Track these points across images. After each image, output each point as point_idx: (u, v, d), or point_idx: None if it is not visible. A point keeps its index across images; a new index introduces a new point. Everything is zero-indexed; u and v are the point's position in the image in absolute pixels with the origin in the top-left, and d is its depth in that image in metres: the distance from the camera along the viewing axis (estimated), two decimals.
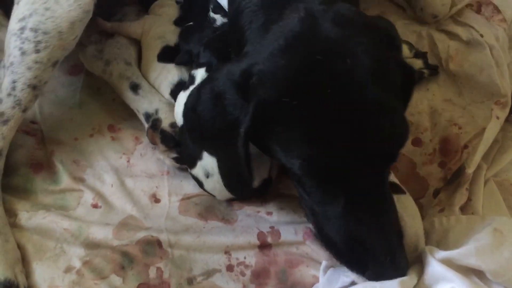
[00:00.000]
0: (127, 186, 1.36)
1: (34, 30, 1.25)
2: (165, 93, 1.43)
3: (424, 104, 1.49)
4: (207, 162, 1.22)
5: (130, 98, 1.43)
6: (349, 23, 0.95)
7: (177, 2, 1.55)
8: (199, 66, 1.29)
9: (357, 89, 0.89)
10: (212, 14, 1.46)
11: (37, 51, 1.25)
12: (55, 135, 1.43)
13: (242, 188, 1.08)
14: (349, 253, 0.99)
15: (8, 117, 1.27)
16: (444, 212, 1.24)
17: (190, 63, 1.39)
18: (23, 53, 1.25)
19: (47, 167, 1.37)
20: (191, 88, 1.27)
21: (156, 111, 1.38)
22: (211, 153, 1.11)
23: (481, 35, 1.52)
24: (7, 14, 1.36)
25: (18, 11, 1.28)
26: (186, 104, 1.10)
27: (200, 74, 1.28)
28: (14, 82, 1.26)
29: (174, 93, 1.41)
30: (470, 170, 1.28)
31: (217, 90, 0.98)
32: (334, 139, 0.88)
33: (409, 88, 1.00)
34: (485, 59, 1.47)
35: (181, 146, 1.32)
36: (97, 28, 1.48)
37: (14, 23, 1.28)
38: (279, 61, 0.92)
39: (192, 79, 1.30)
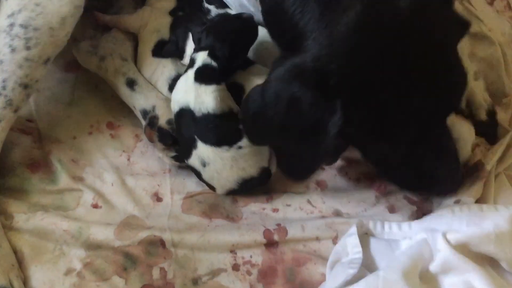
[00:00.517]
0: (128, 185, 1.32)
1: (24, 26, 1.20)
2: (163, 89, 1.39)
3: None
4: (202, 151, 1.20)
5: (127, 94, 1.39)
6: None
7: None
8: (201, 49, 1.25)
9: (433, 65, 0.95)
10: (206, 5, 1.44)
11: (28, 48, 1.20)
12: (52, 133, 1.39)
13: (305, 174, 1.14)
14: (417, 183, 1.16)
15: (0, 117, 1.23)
16: (460, 203, 1.21)
17: (177, 54, 1.37)
18: (13, 51, 1.20)
19: (45, 167, 1.33)
20: (190, 71, 1.24)
21: (153, 108, 1.34)
22: (275, 145, 1.14)
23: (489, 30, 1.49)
24: None
25: (6, 7, 1.23)
26: (243, 110, 1.11)
27: (201, 57, 1.24)
28: (4, 81, 1.21)
29: (173, 89, 1.36)
30: (489, 167, 1.25)
31: (288, 94, 0.96)
32: (409, 108, 0.97)
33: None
34: (495, 55, 1.44)
35: (177, 134, 1.29)
36: (94, 22, 1.44)
37: (2, 20, 1.22)
38: (357, 59, 0.93)
39: (192, 62, 1.26)
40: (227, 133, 1.21)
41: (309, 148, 1.01)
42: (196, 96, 1.21)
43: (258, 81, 1.25)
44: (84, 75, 1.47)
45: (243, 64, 1.29)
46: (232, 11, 1.44)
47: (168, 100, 1.36)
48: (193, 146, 1.21)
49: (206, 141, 1.19)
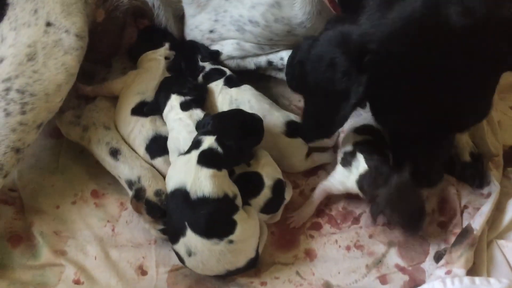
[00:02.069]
0: (111, 258, 1.28)
1: (21, 91, 1.22)
2: (140, 149, 1.37)
3: None
4: (190, 240, 1.16)
5: (110, 164, 1.37)
6: (475, 16, 1.00)
7: (166, 58, 1.51)
8: (208, 133, 1.23)
9: (463, 78, 1.04)
10: (201, 63, 1.50)
11: (23, 113, 1.21)
12: (35, 203, 1.36)
13: (322, 134, 1.27)
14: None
15: None
16: (451, 274, 1.18)
17: (158, 112, 1.39)
18: (8, 115, 1.21)
19: (26, 240, 1.29)
20: (193, 153, 1.21)
21: (139, 179, 1.31)
22: (307, 100, 1.23)
23: None
24: None
25: (1, 71, 1.24)
26: (292, 55, 1.21)
27: (208, 141, 1.21)
28: None
29: (150, 149, 1.35)
30: (479, 232, 1.23)
31: (330, 56, 1.07)
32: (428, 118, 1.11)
33: None
34: None
35: (166, 217, 1.25)
36: (77, 92, 1.43)
37: None
38: (395, 48, 1.02)
39: (197, 144, 1.23)
40: (219, 223, 1.17)
41: (332, 109, 1.12)
42: (195, 178, 1.18)
43: (271, 168, 1.30)
44: (69, 141, 1.46)
45: (246, 158, 1.28)
46: (226, 70, 1.48)
47: (153, 170, 1.34)
48: (181, 233, 1.17)
49: (196, 230, 1.16)
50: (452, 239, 1.29)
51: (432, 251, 1.30)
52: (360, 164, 1.27)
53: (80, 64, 1.31)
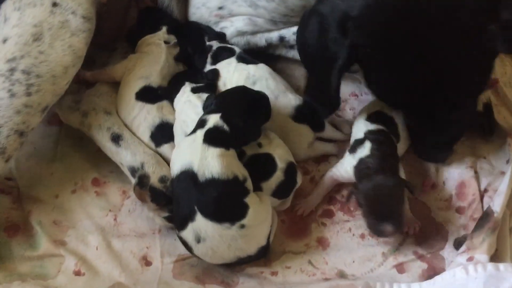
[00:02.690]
0: (114, 248, 1.22)
1: (27, 72, 1.18)
2: (144, 136, 1.31)
3: None
4: (200, 225, 1.10)
5: (112, 150, 1.31)
6: None
7: (165, 42, 1.45)
8: (212, 112, 1.18)
9: (445, 49, 1.10)
10: (208, 43, 1.45)
11: (28, 94, 1.17)
12: (33, 193, 1.30)
13: (324, 104, 1.27)
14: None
15: None
16: (473, 261, 1.12)
17: (167, 98, 1.35)
18: (12, 96, 1.16)
19: (24, 230, 1.23)
20: (199, 132, 1.15)
21: (142, 165, 1.25)
22: (309, 70, 1.34)
23: None
24: None
25: (5, 51, 1.19)
26: (300, 25, 1.29)
27: (213, 119, 1.16)
28: None
29: (155, 137, 1.30)
30: (499, 215, 1.17)
31: (322, 24, 1.17)
32: (410, 87, 1.16)
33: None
34: None
35: (173, 203, 1.19)
36: (77, 77, 1.37)
37: (1, 64, 1.19)
38: (375, 13, 1.11)
39: (202, 123, 1.17)
40: (230, 205, 1.11)
41: (328, 77, 1.19)
42: (202, 158, 1.12)
43: (283, 150, 1.24)
44: (69, 128, 1.39)
45: (255, 136, 1.22)
46: (235, 47, 1.43)
47: (157, 156, 1.28)
48: (190, 217, 1.10)
49: (206, 213, 1.09)
50: (472, 225, 1.22)
51: (451, 237, 1.23)
52: (364, 152, 1.22)
53: (87, 47, 1.26)
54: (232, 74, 1.36)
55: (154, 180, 1.23)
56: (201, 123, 1.17)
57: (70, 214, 1.27)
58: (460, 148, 1.37)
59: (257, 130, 1.22)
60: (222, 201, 1.10)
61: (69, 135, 1.40)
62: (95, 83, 1.41)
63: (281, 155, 1.22)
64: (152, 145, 1.30)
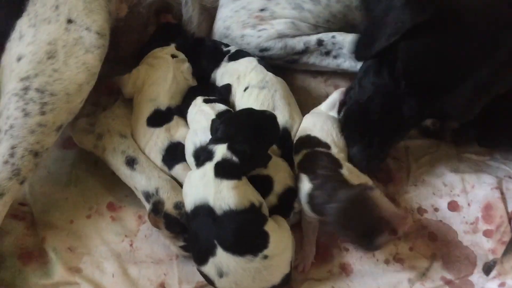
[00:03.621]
0: (130, 275, 1.19)
1: (41, 91, 1.16)
2: (157, 161, 1.28)
3: (458, 163, 1.35)
4: (222, 259, 1.05)
5: (126, 174, 1.28)
6: None
7: (172, 56, 1.41)
8: (219, 141, 1.13)
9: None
10: (225, 48, 1.45)
11: (43, 113, 1.15)
12: (47, 218, 1.27)
13: (365, 52, 1.25)
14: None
15: (4, 189, 1.12)
16: (505, 287, 1.08)
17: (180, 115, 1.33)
18: (26, 115, 1.14)
19: (38, 257, 1.20)
20: (208, 165, 1.11)
21: (157, 190, 1.22)
22: (370, 10, 1.28)
23: None
24: None
25: (19, 69, 1.18)
26: None
27: (220, 150, 1.12)
28: (13, 147, 1.13)
29: (166, 160, 1.27)
30: None
31: None
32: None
33: None
34: None
35: (188, 234, 1.14)
36: (91, 99, 1.34)
37: (15, 82, 1.17)
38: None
39: (209, 154, 1.13)
40: (250, 236, 1.07)
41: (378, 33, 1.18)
42: (216, 192, 1.08)
43: (285, 174, 1.19)
44: (83, 151, 1.37)
45: (264, 161, 1.18)
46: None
47: (172, 181, 1.24)
48: (210, 252, 1.06)
49: (227, 247, 1.05)
50: (501, 249, 1.19)
51: (480, 262, 1.20)
52: (306, 187, 1.15)
53: (101, 63, 1.25)
54: (250, 71, 1.34)
55: (168, 206, 1.19)
56: (208, 155, 1.13)
57: (85, 240, 1.24)
58: (482, 168, 1.35)
59: (266, 154, 1.18)
60: (242, 232, 1.06)
61: (83, 159, 1.37)
62: (112, 105, 1.40)
63: (281, 179, 1.18)
64: (166, 169, 1.27)
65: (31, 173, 1.16)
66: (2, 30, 1.26)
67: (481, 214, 1.26)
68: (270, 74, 1.34)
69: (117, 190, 1.32)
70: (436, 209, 1.28)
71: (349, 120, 1.25)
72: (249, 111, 1.21)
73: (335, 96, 1.30)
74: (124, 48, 1.47)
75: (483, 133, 1.35)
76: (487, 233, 1.23)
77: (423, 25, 1.10)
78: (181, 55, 1.44)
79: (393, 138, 1.25)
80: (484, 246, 1.22)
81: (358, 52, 1.28)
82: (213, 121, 1.21)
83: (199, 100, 1.31)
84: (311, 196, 1.12)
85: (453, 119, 1.22)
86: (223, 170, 1.09)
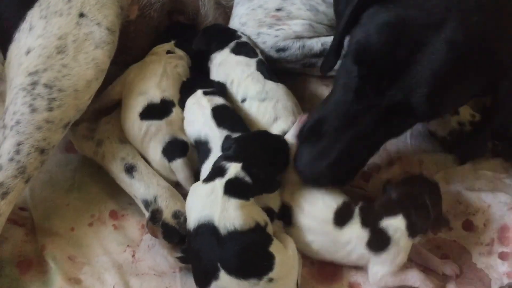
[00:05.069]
0: None
1: (49, 86, 1.13)
2: (155, 154, 1.24)
3: (474, 180, 1.31)
4: (225, 283, 1.00)
5: (126, 182, 1.24)
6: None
7: (168, 52, 1.38)
8: (233, 160, 1.09)
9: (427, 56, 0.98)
10: (239, 33, 1.40)
11: (50, 109, 1.13)
12: (48, 225, 1.23)
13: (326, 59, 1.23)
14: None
15: (8, 188, 1.09)
16: None
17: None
18: (34, 111, 1.11)
19: (37, 266, 1.16)
20: (218, 182, 1.06)
21: (155, 198, 1.19)
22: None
23: None
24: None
25: (27, 63, 1.15)
26: None
27: (233, 168, 1.08)
28: (19, 144, 1.10)
29: (167, 152, 1.23)
30: None
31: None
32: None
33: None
34: None
35: (189, 251, 1.09)
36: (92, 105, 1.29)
37: (22, 77, 1.14)
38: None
39: (220, 170, 1.09)
40: (255, 258, 1.02)
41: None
42: (223, 211, 1.04)
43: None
44: (86, 156, 1.33)
45: (274, 187, 1.13)
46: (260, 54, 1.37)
47: (171, 188, 1.21)
48: (213, 275, 1.01)
49: (231, 270, 1.00)
50: None
51: (495, 286, 1.15)
52: None
53: (110, 60, 1.22)
54: (246, 77, 1.30)
55: (167, 215, 1.16)
56: (219, 171, 1.08)
57: (86, 249, 1.20)
58: (498, 186, 1.30)
59: (275, 181, 1.13)
60: (246, 254, 1.01)
61: (86, 163, 1.34)
62: (113, 110, 1.35)
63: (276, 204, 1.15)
64: (165, 161, 1.23)
65: (36, 171, 1.13)
66: (12, 20, 1.23)
67: (496, 235, 1.21)
68: (269, 82, 1.29)
69: (120, 197, 1.28)
70: (450, 228, 1.24)
71: (303, 135, 1.14)
72: (265, 135, 1.19)
73: (299, 124, 1.19)
74: (134, 52, 1.43)
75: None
76: (502, 256, 1.19)
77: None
78: (179, 51, 1.41)
79: (360, 150, 1.10)
80: (499, 269, 1.17)
81: (324, 63, 1.24)
82: (226, 137, 1.17)
83: (199, 92, 1.28)
84: None
85: (421, 115, 1.05)
86: (234, 189, 1.05)
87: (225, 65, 1.35)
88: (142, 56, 1.43)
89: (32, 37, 1.18)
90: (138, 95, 1.28)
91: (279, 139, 1.17)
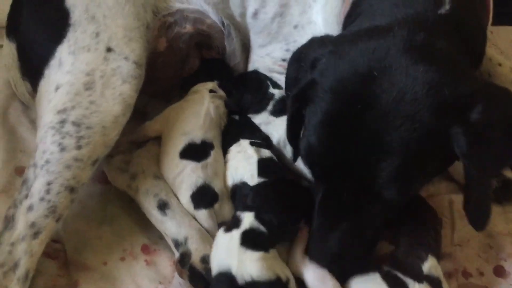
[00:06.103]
0: None
1: (77, 124, 1.14)
2: (184, 196, 1.24)
3: (504, 224, 1.30)
4: None
5: (157, 219, 1.24)
6: (428, 70, 0.93)
7: (210, 91, 1.39)
8: (247, 209, 1.10)
9: (377, 127, 0.93)
10: (271, 90, 1.41)
11: (79, 148, 1.13)
12: (80, 258, 1.24)
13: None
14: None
15: (40, 228, 1.10)
16: None
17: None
18: (63, 150, 1.12)
19: None
20: (235, 232, 1.07)
21: (185, 240, 1.18)
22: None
23: None
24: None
25: (56, 101, 1.16)
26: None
27: (247, 218, 1.08)
28: (49, 184, 1.11)
29: (195, 198, 1.23)
30: None
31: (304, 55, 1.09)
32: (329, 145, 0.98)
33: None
34: None
35: None
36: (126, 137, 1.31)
37: (52, 115, 1.15)
38: (339, 65, 0.98)
39: (236, 221, 1.10)
40: None
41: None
42: (240, 262, 1.04)
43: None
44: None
45: (292, 234, 1.13)
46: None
47: (202, 231, 1.20)
48: None
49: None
50: None
51: None
52: None
53: (137, 94, 1.22)
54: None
55: (195, 259, 1.15)
56: (235, 222, 1.09)
57: (119, 284, 1.20)
58: None
59: (294, 229, 1.12)
60: None
61: (118, 195, 1.34)
62: (147, 141, 1.36)
63: None
64: (191, 206, 1.23)
65: (66, 210, 1.14)
66: (42, 56, 1.23)
67: None
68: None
69: (151, 230, 1.28)
70: (481, 273, 1.24)
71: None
72: (283, 182, 1.19)
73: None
74: (162, 83, 1.43)
75: None
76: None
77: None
78: (220, 91, 1.41)
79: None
80: None
81: (293, 153, 1.20)
82: (242, 183, 1.18)
83: (244, 142, 1.28)
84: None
85: (389, 197, 0.98)
86: (250, 240, 1.06)
87: (267, 126, 1.36)
88: (169, 86, 1.44)
89: (61, 74, 1.18)
90: (181, 135, 1.29)
91: (298, 185, 1.16)
